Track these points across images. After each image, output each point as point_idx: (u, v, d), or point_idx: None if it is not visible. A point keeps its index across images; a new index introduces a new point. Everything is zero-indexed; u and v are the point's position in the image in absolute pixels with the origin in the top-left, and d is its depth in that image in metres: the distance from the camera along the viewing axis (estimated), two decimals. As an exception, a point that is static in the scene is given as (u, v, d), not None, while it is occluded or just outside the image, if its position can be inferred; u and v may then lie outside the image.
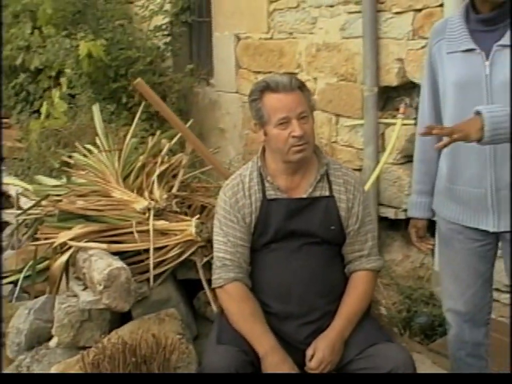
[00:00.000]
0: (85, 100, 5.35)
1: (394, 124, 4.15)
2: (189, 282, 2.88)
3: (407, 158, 4.17)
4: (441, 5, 3.87)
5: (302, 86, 2.49)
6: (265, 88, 2.46)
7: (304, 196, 2.51)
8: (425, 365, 3.43)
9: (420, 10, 4.05)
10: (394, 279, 4.19)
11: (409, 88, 4.19)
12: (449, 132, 2.23)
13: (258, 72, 5.41)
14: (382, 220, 4.39)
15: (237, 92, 5.77)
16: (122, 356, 2.17)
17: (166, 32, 6.26)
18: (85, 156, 3.62)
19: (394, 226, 4.39)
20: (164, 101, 5.82)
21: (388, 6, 4.23)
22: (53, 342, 2.66)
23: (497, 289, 3.27)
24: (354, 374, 2.36)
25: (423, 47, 4.00)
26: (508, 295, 2.63)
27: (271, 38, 5.25)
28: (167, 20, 6.25)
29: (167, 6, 6.25)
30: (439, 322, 3.60)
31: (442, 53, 2.48)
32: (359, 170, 4.48)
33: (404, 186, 4.23)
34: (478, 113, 2.23)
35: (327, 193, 2.53)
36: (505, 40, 2.34)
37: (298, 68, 4.97)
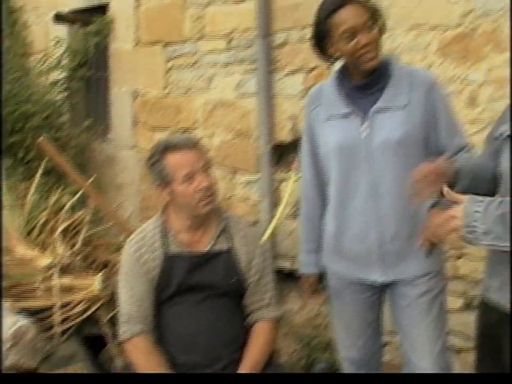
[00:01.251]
0: (-21, 155, 5.24)
1: (288, 179, 4.31)
2: (95, 338, 2.90)
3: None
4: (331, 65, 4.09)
5: (198, 143, 2.61)
6: (166, 148, 2.55)
7: (206, 250, 2.61)
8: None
9: (311, 70, 4.27)
10: (292, 328, 4.31)
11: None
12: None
13: (155, 128, 5.50)
14: (279, 271, 4.50)
15: (134, 148, 5.82)
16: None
17: (63, 87, 6.26)
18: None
19: (290, 277, 4.49)
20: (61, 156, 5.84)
21: (281, 65, 4.43)
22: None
23: (391, 332, 3.43)
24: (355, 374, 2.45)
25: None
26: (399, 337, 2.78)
27: (168, 95, 5.36)
28: (64, 74, 6.25)
29: (65, 61, 6.25)
30: (338, 368, 3.72)
31: (320, 118, 2.59)
32: (255, 224, 4.58)
33: (298, 239, 4.34)
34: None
35: (227, 247, 2.64)
36: (381, 103, 2.48)
37: (195, 124, 5.09)
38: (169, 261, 2.57)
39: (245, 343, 2.60)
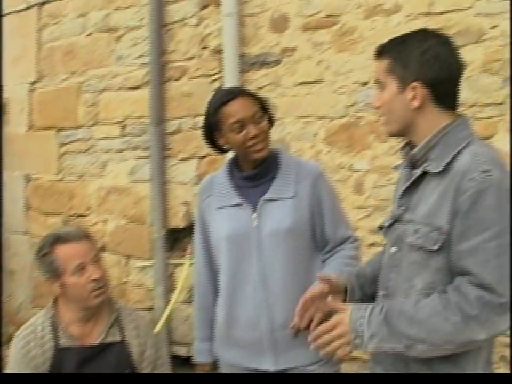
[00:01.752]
0: None
1: (182, 264, 4.36)
2: None
3: (196, 297, 4.30)
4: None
5: (88, 235, 2.58)
6: (56, 240, 2.52)
7: (96, 342, 2.55)
8: None
9: (203, 157, 4.35)
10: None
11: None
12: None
13: (48, 214, 5.41)
14: (175, 358, 4.44)
15: (26, 233, 5.68)
16: None
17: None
18: None
19: (187, 364, 4.44)
20: None
21: (174, 152, 4.49)
22: None
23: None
24: (363, 374, 2.32)
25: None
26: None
27: (61, 180, 5.30)
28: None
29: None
30: None
31: (212, 208, 2.64)
32: (150, 310, 4.54)
33: (194, 324, 4.31)
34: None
35: (118, 339, 2.59)
36: (270, 193, 2.55)
37: (89, 210, 5.04)
38: (59, 355, 2.50)
39: None
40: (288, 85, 4.01)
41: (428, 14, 3.54)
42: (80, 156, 5.13)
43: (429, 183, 1.96)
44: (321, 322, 2.12)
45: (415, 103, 1.96)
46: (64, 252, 2.49)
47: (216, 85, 4.26)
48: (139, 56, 4.66)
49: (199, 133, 4.24)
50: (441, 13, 3.49)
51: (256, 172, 2.58)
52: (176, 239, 4.56)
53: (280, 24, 4.04)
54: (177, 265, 4.48)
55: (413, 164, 2.05)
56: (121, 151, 4.80)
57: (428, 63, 1.94)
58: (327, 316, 2.08)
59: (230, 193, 2.60)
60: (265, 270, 2.53)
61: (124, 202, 4.78)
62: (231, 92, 2.56)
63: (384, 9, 3.69)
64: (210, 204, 2.66)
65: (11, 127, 5.78)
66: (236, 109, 2.49)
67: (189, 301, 4.34)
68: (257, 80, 4.13)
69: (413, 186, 2.01)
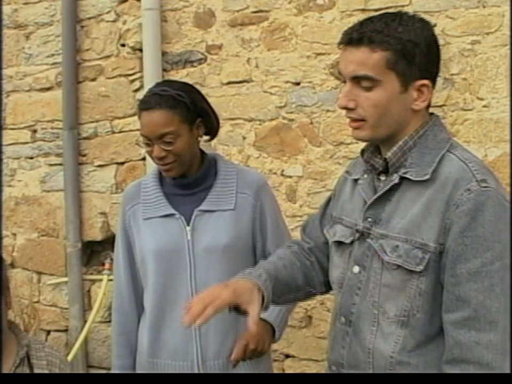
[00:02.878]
0: None
1: (100, 280, 4.05)
2: None
3: (116, 315, 4.00)
4: (143, 159, 3.87)
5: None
6: None
7: None
8: None
9: (122, 163, 4.05)
10: None
11: (114, 242, 4.06)
12: (243, 346, 2.20)
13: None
14: (92, 383, 4.11)
15: None
16: None
17: None
18: None
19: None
20: None
21: (90, 159, 4.17)
22: None
23: None
24: (363, 374, 2.03)
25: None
26: None
27: (-36, 191, 4.87)
28: None
29: None
30: None
31: (138, 219, 2.36)
32: (65, 331, 4.21)
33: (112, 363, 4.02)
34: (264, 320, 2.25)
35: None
36: (206, 204, 2.29)
37: (-4, 223, 4.62)
38: None
39: None
40: (214, 85, 3.74)
41: (364, 10, 3.34)
42: (-15, 163, 4.70)
43: (406, 192, 1.68)
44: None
45: (421, 104, 1.68)
46: None
47: (136, 85, 3.95)
48: (51, 55, 4.29)
49: (118, 137, 4.06)
50: (378, 10, 3.28)
51: (189, 180, 2.31)
52: (93, 253, 4.24)
53: (205, 19, 3.77)
54: (94, 281, 4.16)
55: (380, 171, 1.79)
56: (31, 157, 4.41)
57: (432, 58, 1.67)
58: None
59: (160, 202, 2.32)
60: (198, 291, 2.22)
61: (35, 214, 4.38)
62: (148, 100, 2.26)
63: (318, 5, 3.46)
64: (136, 213, 2.36)
65: None
66: (144, 123, 2.24)
67: (107, 320, 4.03)
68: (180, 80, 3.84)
69: (384, 195, 1.73)
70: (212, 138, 2.43)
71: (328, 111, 3.47)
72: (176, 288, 2.28)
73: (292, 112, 3.56)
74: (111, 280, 3.89)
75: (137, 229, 2.36)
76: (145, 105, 2.24)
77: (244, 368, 2.27)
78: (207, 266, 2.26)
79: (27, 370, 2.20)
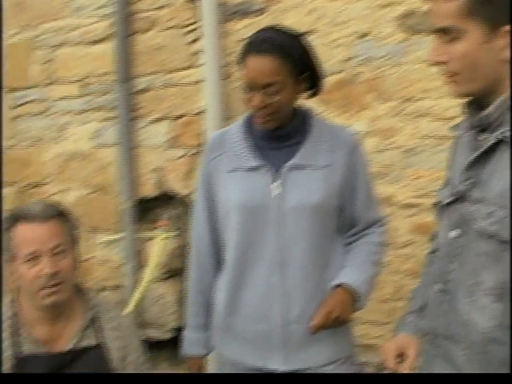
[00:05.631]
0: None
1: (154, 238, 3.97)
2: None
3: (170, 273, 3.95)
4: (202, 112, 3.75)
5: (61, 215, 2.13)
6: (17, 217, 2.09)
7: (68, 348, 2.11)
8: None
9: (178, 117, 3.93)
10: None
11: (168, 199, 3.99)
12: (326, 313, 2.07)
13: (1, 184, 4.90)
14: (146, 341, 4.06)
15: (-24, 205, 5.18)
16: None
17: None
18: None
19: (160, 347, 4.08)
20: None
21: (144, 112, 4.05)
22: None
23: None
24: (362, 374, 2.14)
25: (182, 156, 3.85)
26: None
27: (14, 146, 4.78)
28: None
29: None
30: None
31: (222, 170, 2.23)
32: (118, 288, 4.15)
33: (167, 304, 3.97)
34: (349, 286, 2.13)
35: (95, 342, 2.15)
36: (297, 159, 2.16)
37: (47, 178, 4.56)
38: (22, 365, 2.05)
39: None
40: (275, 37, 3.57)
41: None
42: (35, 119, 4.61)
43: (505, 154, 1.54)
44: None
45: (508, 53, 1.52)
46: (20, 233, 2.06)
47: (191, 37, 3.81)
48: (101, 7, 4.16)
49: (173, 90, 3.93)
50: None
51: (281, 133, 2.17)
52: (147, 210, 4.14)
53: (265, -34, 3.60)
54: (148, 240, 4.07)
55: (482, 127, 1.64)
56: (82, 112, 4.31)
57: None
58: None
59: (247, 154, 2.19)
60: (284, 250, 2.13)
61: (86, 170, 4.31)
62: (259, 45, 2.09)
63: (386, -48, 3.28)
64: (220, 164, 2.24)
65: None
66: (251, 68, 2.08)
67: (161, 278, 3.99)
68: (238, 32, 3.70)
69: (485, 155, 1.58)
70: (314, 95, 2.28)
71: (396, 65, 3.30)
72: (260, 246, 2.17)
73: (357, 66, 3.40)
74: (164, 238, 3.83)
75: (220, 181, 2.24)
76: (255, 48, 2.09)
77: (323, 337, 2.17)
78: (294, 225, 2.14)
79: (94, 334, 2.17)
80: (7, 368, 2.04)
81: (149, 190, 4.06)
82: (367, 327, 3.38)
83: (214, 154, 2.27)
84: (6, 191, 4.69)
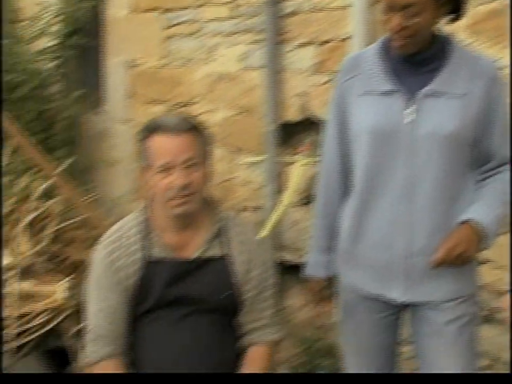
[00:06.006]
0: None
1: (295, 162, 3.97)
2: (58, 352, 2.49)
3: (308, 199, 3.95)
4: (348, 38, 3.66)
5: (196, 129, 2.16)
6: (153, 128, 2.13)
7: (194, 256, 2.18)
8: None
9: (325, 42, 3.84)
10: (293, 328, 3.95)
11: (311, 124, 3.96)
12: (449, 249, 2.03)
13: (152, 102, 5.08)
14: (281, 264, 4.14)
15: (128, 122, 5.41)
16: None
17: (53, 56, 5.80)
18: None
19: (293, 271, 4.13)
20: (49, 130, 5.47)
21: (291, 36, 4.01)
22: None
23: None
24: (362, 374, 2.16)
25: (327, 82, 3.79)
26: (409, 348, 2.40)
27: (166, 66, 4.94)
28: (54, 42, 5.78)
29: (55, 27, 5.79)
30: (341, 377, 3.39)
31: (355, 93, 2.16)
32: (258, 210, 4.22)
33: (304, 229, 3.98)
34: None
35: (221, 254, 2.20)
36: (435, 85, 2.06)
37: (195, 98, 4.67)
38: (150, 268, 2.14)
39: (236, 370, 2.18)
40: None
41: None
42: (186, 39, 4.72)
43: None
44: None
45: None
46: (156, 143, 2.10)
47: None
48: None
49: (320, 15, 3.86)
50: None
51: (420, 58, 2.07)
52: (290, 134, 4.13)
53: None
54: (289, 163, 4.08)
55: None
56: (231, 34, 4.34)
57: None
58: None
59: (381, 78, 2.10)
60: (413, 179, 2.06)
61: (233, 91, 4.36)
62: None
63: None
64: (353, 86, 2.17)
65: (113, 10, 5.44)
66: None
67: (300, 203, 3.99)
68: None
69: None
70: (456, 19, 2.16)
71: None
72: (388, 173, 2.10)
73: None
74: (305, 164, 3.82)
75: (352, 104, 2.18)
76: None
77: (445, 273, 2.10)
78: (426, 154, 2.05)
79: (220, 245, 2.21)
80: (135, 270, 2.14)
81: (292, 114, 4.05)
82: (500, 272, 3.24)
83: (347, 76, 2.21)
84: (156, 109, 4.86)
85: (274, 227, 3.99)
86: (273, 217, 3.94)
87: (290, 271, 4.15)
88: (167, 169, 2.08)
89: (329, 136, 2.30)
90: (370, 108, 2.12)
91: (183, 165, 2.09)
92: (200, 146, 2.16)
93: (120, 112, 5.52)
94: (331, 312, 2.50)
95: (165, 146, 2.09)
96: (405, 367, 3.22)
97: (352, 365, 2.39)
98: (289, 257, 4.12)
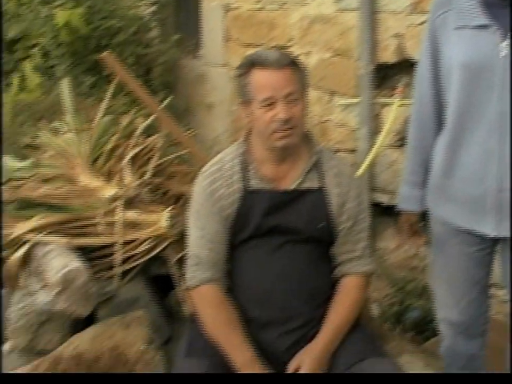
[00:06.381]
0: (62, 72, 5.05)
1: (391, 104, 3.94)
2: (161, 278, 2.62)
3: (404, 141, 3.92)
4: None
5: (294, 64, 2.20)
6: (253, 63, 2.17)
7: (291, 187, 2.24)
8: (417, 368, 3.23)
9: (421, -18, 3.78)
10: (386, 269, 3.98)
11: (407, 66, 3.92)
12: None
13: (248, 45, 5.12)
14: (375, 206, 4.16)
15: (225, 66, 5.50)
16: (77, 369, 1.91)
17: (151, 1, 5.95)
18: (54, 134, 3.33)
19: (388, 213, 4.14)
20: (148, 74, 5.62)
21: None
22: (7, 346, 2.39)
23: (494, 285, 3.07)
24: (355, 374, 2.11)
25: (423, 23, 3.74)
26: (505, 291, 2.41)
27: (261, 9, 4.97)
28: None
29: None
30: (432, 318, 3.40)
31: (448, 27, 2.15)
32: (353, 152, 4.23)
33: (399, 171, 3.98)
34: None
35: (317, 186, 2.26)
36: None
37: (290, 41, 4.68)
38: (249, 198, 2.22)
39: (329, 299, 2.25)
40: None
41: None
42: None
43: None
44: None
45: None
46: (257, 78, 2.15)
47: None
48: None
49: None
50: None
51: None
52: (385, 76, 4.10)
53: None
54: (384, 105, 4.06)
55: None
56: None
57: None
58: None
59: (475, 11, 2.08)
60: (506, 115, 2.05)
61: (329, 33, 4.34)
62: None
63: None
64: (446, 21, 2.15)
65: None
66: None
67: (395, 145, 3.98)
68: None
69: None
70: None
71: None
72: (481, 108, 2.09)
73: None
74: (402, 105, 3.80)
75: (446, 38, 2.16)
76: None
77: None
78: None
79: (317, 178, 2.27)
80: (234, 200, 2.23)
81: (388, 56, 4.00)
82: None
83: (440, 10, 2.19)
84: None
85: (369, 169, 4.01)
86: (368, 159, 3.96)
87: (384, 213, 4.18)
88: (270, 103, 2.13)
89: (422, 72, 2.30)
90: (463, 42, 2.10)
91: (285, 99, 2.14)
92: (299, 81, 2.20)
93: (217, 56, 5.60)
94: (422, 246, 2.54)
95: (267, 81, 2.14)
96: (500, 310, 3.24)
97: (443, 299, 2.43)
98: (383, 199, 4.13)
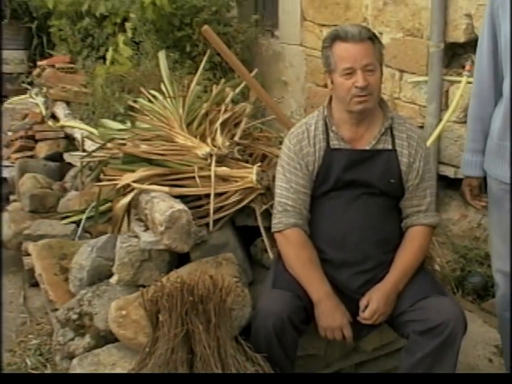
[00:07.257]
0: (149, 47, 5.39)
1: (459, 82, 4.15)
2: (246, 229, 2.92)
3: (470, 117, 4.10)
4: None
5: (372, 38, 2.48)
6: (336, 36, 2.47)
7: (367, 147, 2.54)
8: (475, 324, 3.44)
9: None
10: (450, 238, 4.19)
11: (476, 45, 4.08)
12: None
13: (323, 25, 5.36)
14: (441, 179, 4.36)
15: (301, 45, 5.74)
16: (180, 294, 2.22)
17: (232, -19, 6.21)
18: (150, 101, 3.67)
19: (453, 185, 4.34)
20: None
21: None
22: (113, 279, 2.74)
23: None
24: (362, 374, 2.46)
25: (493, 3, 3.89)
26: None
27: (337, -10, 5.16)
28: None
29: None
30: (492, 283, 3.60)
31: (506, 8, 2.38)
32: (421, 127, 4.42)
33: (464, 145, 4.16)
34: None
35: (389, 147, 2.55)
36: None
37: (364, 21, 4.89)
38: (330, 155, 2.54)
39: (397, 246, 2.54)
40: None
41: None
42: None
43: None
44: None
45: None
46: (338, 50, 2.45)
47: None
48: None
49: None
50: None
51: None
52: (455, 54, 4.30)
53: None
54: (453, 83, 4.24)
55: None
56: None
57: None
58: None
59: None
60: None
61: (401, 14, 4.55)
62: None
63: None
64: (504, 2, 2.39)
65: None
66: None
67: (461, 121, 4.14)
68: None
69: None
70: None
71: None
72: None
73: None
74: (469, 82, 3.96)
75: (505, 17, 2.39)
76: None
77: None
78: None
79: (389, 140, 2.56)
80: (318, 157, 2.53)
81: (458, 35, 4.16)
82: None
83: None
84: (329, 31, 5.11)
85: (436, 142, 4.21)
86: (435, 133, 4.16)
87: (449, 185, 4.37)
88: (350, 72, 2.43)
89: (482, 45, 2.55)
90: None
91: (363, 69, 2.43)
92: (376, 53, 2.48)
93: (293, 35, 5.82)
94: (484, 206, 2.77)
95: (348, 52, 2.43)
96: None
97: (497, 251, 2.67)
98: (449, 172, 4.33)
